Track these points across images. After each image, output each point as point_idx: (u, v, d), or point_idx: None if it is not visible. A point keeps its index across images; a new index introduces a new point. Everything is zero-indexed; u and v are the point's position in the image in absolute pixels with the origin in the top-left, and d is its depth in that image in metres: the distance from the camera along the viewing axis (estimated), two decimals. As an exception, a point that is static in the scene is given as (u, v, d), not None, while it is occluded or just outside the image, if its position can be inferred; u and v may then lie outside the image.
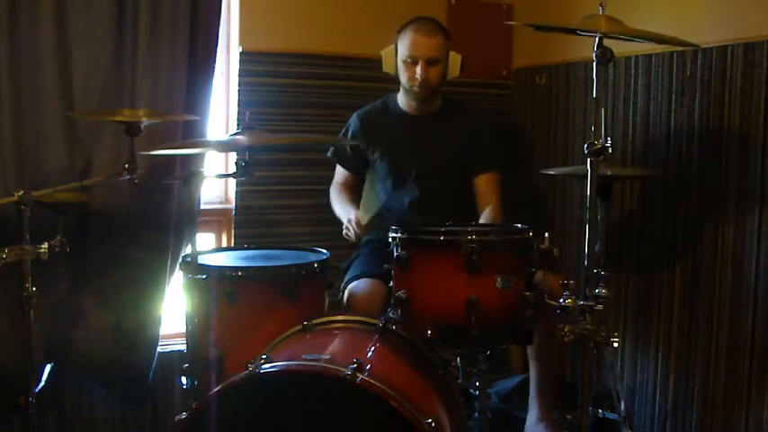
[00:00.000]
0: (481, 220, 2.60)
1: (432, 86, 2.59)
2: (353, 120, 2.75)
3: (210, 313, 2.03)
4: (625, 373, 2.79)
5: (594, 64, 1.70)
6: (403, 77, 2.61)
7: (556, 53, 3.05)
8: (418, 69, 2.54)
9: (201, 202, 2.70)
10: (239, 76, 2.86)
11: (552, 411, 2.58)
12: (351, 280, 2.50)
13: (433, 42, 2.55)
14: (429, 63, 2.55)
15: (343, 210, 2.67)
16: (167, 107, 2.55)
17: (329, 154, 2.79)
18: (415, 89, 2.59)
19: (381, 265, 2.29)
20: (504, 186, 2.75)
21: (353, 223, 2.47)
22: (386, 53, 2.66)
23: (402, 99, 2.72)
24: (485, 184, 2.70)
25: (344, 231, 2.55)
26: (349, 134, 2.74)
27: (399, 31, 2.61)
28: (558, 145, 3.11)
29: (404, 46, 2.57)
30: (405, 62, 2.57)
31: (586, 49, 1.77)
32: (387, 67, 2.67)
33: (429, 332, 1.89)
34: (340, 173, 2.82)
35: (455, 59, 2.65)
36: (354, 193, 2.78)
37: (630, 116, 2.73)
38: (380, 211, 2.60)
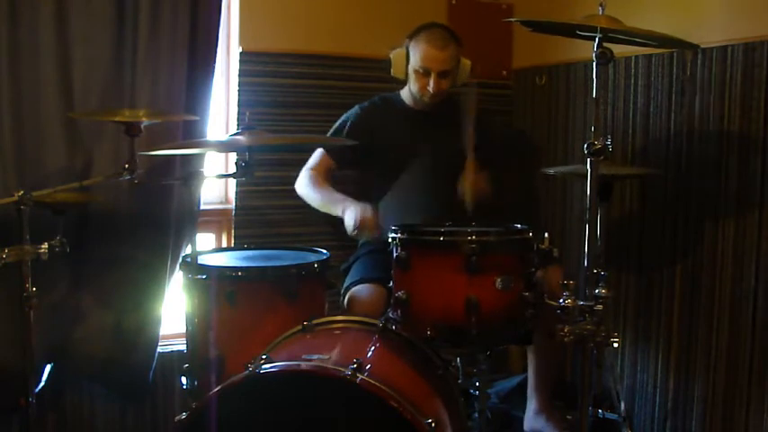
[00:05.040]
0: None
1: (442, 96, 2.62)
2: (354, 111, 2.74)
3: (210, 313, 2.03)
4: (625, 373, 2.79)
5: (594, 64, 1.70)
6: (414, 86, 2.62)
7: (556, 53, 3.05)
8: (431, 82, 2.56)
9: (201, 202, 2.70)
10: (239, 76, 2.86)
11: (552, 405, 2.58)
12: (351, 285, 2.49)
13: (446, 55, 2.55)
14: (441, 76, 2.57)
15: (331, 197, 2.56)
16: (167, 107, 2.55)
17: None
18: (426, 99, 2.62)
19: (381, 267, 2.29)
20: (504, 186, 2.75)
21: (369, 219, 2.35)
22: (395, 57, 2.63)
23: (406, 95, 2.73)
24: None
25: (353, 229, 2.39)
26: (348, 125, 2.72)
27: (411, 37, 2.60)
28: (558, 145, 3.11)
29: (416, 56, 2.57)
30: (417, 72, 2.59)
31: (586, 49, 1.77)
32: (396, 72, 2.65)
33: (429, 332, 1.89)
34: (319, 160, 2.70)
35: (465, 65, 2.65)
36: (329, 181, 2.69)
37: (630, 116, 2.73)
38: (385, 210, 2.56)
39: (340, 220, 2.52)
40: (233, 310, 2.04)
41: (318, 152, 2.73)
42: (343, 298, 2.50)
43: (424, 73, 2.57)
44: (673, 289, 2.61)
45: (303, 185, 2.70)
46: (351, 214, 2.41)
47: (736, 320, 2.39)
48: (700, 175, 2.50)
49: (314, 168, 2.71)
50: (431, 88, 2.56)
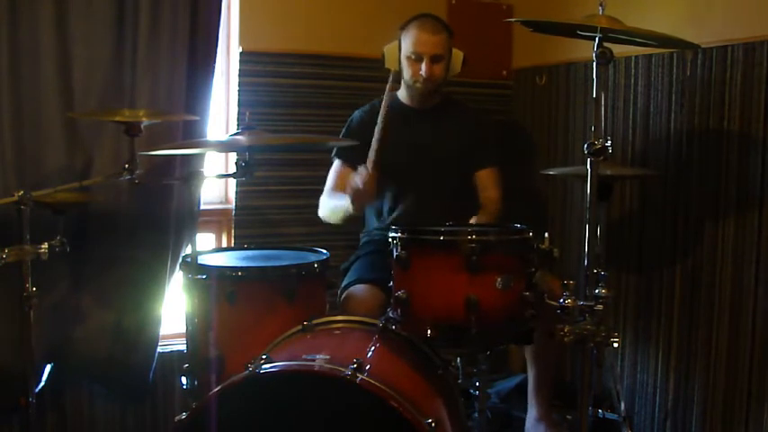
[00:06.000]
0: (479, 215, 2.56)
1: (435, 82, 2.60)
2: (354, 116, 2.74)
3: (210, 313, 2.03)
4: (625, 373, 2.79)
5: (594, 64, 1.70)
6: (407, 74, 2.62)
7: (556, 53, 3.06)
8: (423, 66, 2.56)
9: (201, 202, 2.70)
10: (239, 76, 2.86)
11: (552, 411, 2.58)
12: (348, 285, 2.49)
13: (438, 39, 2.56)
14: (433, 60, 2.56)
15: (339, 197, 2.51)
16: (167, 107, 2.55)
17: (333, 154, 2.72)
18: (419, 85, 2.61)
19: (379, 268, 2.29)
20: (505, 186, 2.76)
21: (362, 171, 2.28)
22: (388, 49, 2.65)
23: (402, 93, 2.73)
24: (486, 179, 2.71)
25: (350, 200, 2.32)
26: (350, 130, 2.71)
27: (402, 28, 2.61)
28: (558, 145, 3.11)
29: (408, 43, 2.58)
30: (409, 59, 2.59)
31: (586, 49, 1.77)
32: (389, 64, 2.65)
33: (429, 332, 1.88)
34: (335, 176, 2.69)
35: (457, 56, 2.66)
36: None
37: (630, 116, 2.73)
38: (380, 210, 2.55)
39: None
40: (233, 309, 2.04)
41: (333, 167, 2.70)
42: (340, 297, 2.50)
43: (416, 59, 2.57)
44: (673, 289, 2.61)
45: (323, 208, 2.65)
46: (348, 190, 2.34)
47: (736, 320, 2.39)
48: (700, 175, 2.50)
49: (333, 188, 2.65)
50: (423, 73, 2.55)
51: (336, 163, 2.71)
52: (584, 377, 1.72)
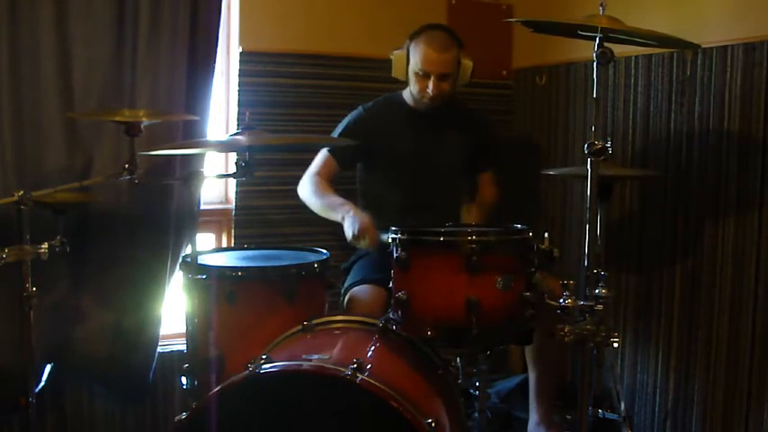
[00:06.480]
0: (476, 206, 2.69)
1: (442, 98, 2.60)
2: (356, 111, 2.72)
3: (210, 313, 2.03)
4: (625, 373, 2.79)
5: (594, 64, 1.70)
6: (414, 88, 2.60)
7: (556, 53, 3.06)
8: (430, 84, 2.54)
9: (201, 202, 2.70)
10: (239, 76, 2.86)
11: (553, 413, 2.58)
12: (351, 285, 2.49)
13: (446, 58, 2.53)
14: (440, 78, 2.54)
15: (332, 203, 2.52)
16: (167, 107, 2.55)
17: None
18: (426, 101, 2.59)
19: (382, 268, 2.29)
20: (505, 186, 2.77)
21: (367, 230, 2.33)
22: (396, 58, 2.61)
23: (407, 94, 2.72)
24: (486, 182, 2.79)
25: (351, 235, 2.36)
26: (350, 125, 2.70)
27: (412, 39, 2.58)
28: (558, 145, 3.11)
29: (416, 58, 2.55)
30: (416, 74, 2.56)
31: (586, 49, 1.77)
32: (396, 73, 2.63)
33: (429, 332, 1.88)
34: (323, 163, 2.67)
35: (466, 67, 2.61)
36: (333, 184, 2.66)
37: (630, 116, 2.73)
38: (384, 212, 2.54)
39: (340, 226, 2.51)
40: (233, 310, 2.04)
41: (321, 154, 2.69)
42: (344, 298, 2.50)
43: (423, 75, 2.55)
44: (673, 289, 2.61)
45: (306, 190, 2.65)
46: (350, 222, 2.37)
47: (736, 320, 2.39)
48: (700, 175, 2.50)
49: (318, 173, 2.66)
50: (430, 91, 2.54)
51: (325, 151, 2.68)
52: (584, 377, 1.72)
